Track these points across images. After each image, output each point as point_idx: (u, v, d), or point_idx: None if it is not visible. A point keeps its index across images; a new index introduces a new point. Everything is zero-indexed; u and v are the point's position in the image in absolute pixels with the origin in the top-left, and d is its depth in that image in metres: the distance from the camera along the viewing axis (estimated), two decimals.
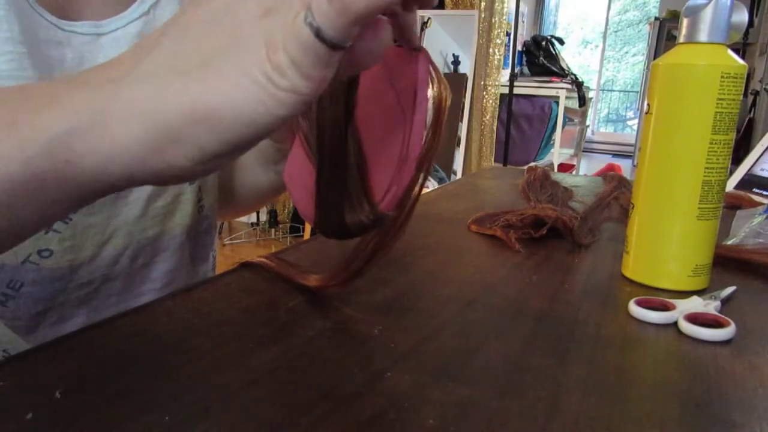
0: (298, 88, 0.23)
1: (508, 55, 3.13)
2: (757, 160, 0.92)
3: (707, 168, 0.43)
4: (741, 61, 0.43)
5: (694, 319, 0.38)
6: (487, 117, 3.03)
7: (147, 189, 0.47)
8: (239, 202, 0.62)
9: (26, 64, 0.39)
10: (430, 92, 0.32)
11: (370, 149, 0.33)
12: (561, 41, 3.64)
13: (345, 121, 0.32)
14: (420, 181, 0.32)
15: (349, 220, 0.32)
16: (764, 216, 0.62)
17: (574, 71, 3.55)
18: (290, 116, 0.24)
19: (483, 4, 2.94)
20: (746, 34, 3.83)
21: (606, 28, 7.57)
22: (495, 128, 3.04)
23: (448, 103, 0.33)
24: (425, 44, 2.60)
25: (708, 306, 0.41)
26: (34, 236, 0.40)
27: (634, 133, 7.06)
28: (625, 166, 4.20)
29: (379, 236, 0.35)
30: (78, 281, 0.44)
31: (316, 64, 0.23)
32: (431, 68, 0.31)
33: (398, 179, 0.31)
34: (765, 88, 3.62)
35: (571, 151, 4.07)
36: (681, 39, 0.44)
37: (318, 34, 0.22)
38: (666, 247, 0.46)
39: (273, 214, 3.32)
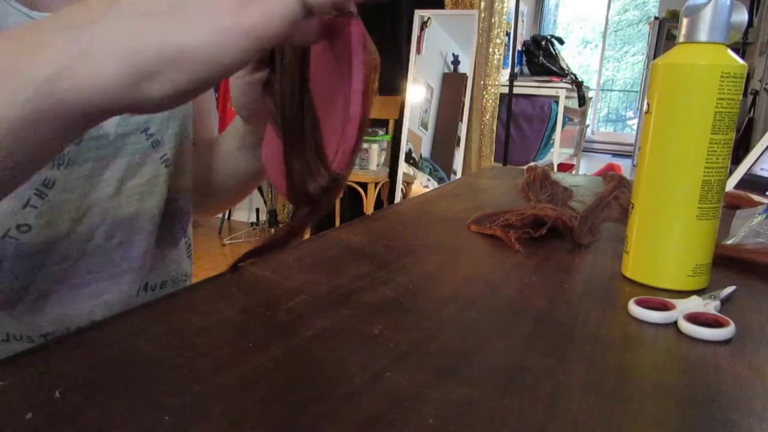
0: (263, 38, 0.26)
1: (508, 55, 3.12)
2: (756, 159, 0.92)
3: (707, 168, 0.43)
4: (741, 61, 0.43)
5: (694, 318, 0.38)
6: (487, 117, 3.03)
7: (121, 169, 0.47)
8: (221, 194, 0.63)
9: None
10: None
11: (322, 116, 0.36)
12: (561, 41, 3.64)
13: (300, 92, 0.36)
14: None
15: (311, 186, 0.35)
16: (764, 216, 0.62)
17: (574, 71, 3.55)
18: (250, 59, 0.27)
19: (483, 3, 2.93)
20: (746, 33, 3.83)
21: (606, 28, 7.57)
22: (495, 128, 3.04)
23: (377, 64, 0.36)
24: (425, 44, 2.58)
25: (708, 306, 0.41)
26: (14, 211, 0.41)
27: (634, 132, 7.06)
28: (624, 166, 4.20)
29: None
30: (56, 257, 0.45)
31: (288, 22, 0.27)
32: (364, 34, 0.34)
33: (344, 140, 0.34)
34: (765, 88, 3.62)
35: (571, 151, 4.07)
36: (681, 39, 0.44)
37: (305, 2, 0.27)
38: (666, 246, 0.46)
39: (273, 214, 3.32)
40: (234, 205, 0.85)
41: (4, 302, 0.43)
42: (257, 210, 3.56)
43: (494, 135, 3.05)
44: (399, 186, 3.06)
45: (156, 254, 0.53)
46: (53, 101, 0.26)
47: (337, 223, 3.17)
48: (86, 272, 0.47)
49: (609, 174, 0.95)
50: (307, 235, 0.49)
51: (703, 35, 0.43)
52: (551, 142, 3.22)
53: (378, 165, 3.04)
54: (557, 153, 3.15)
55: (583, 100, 3.57)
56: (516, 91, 2.95)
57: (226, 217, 3.57)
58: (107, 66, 0.26)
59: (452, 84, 2.97)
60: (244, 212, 3.70)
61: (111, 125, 0.46)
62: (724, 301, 0.43)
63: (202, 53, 0.26)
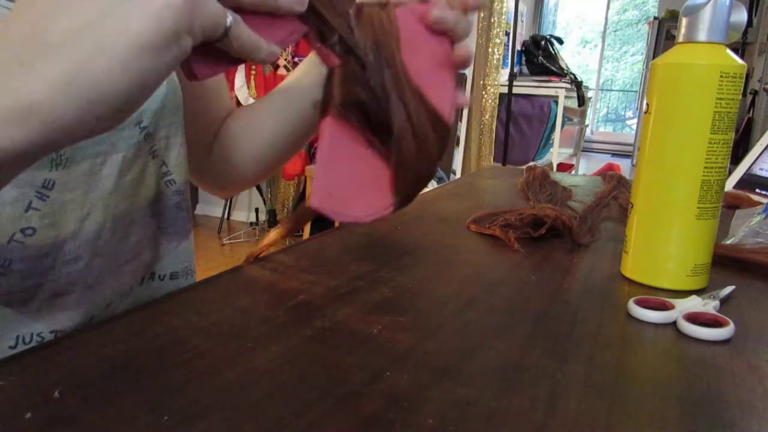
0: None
1: (507, 55, 3.13)
2: (756, 159, 0.92)
3: (706, 167, 0.43)
4: (740, 61, 0.43)
5: (693, 318, 0.38)
6: (487, 116, 3.03)
7: (117, 164, 0.47)
8: (244, 174, 0.64)
9: None
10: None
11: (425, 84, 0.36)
12: (560, 41, 3.64)
13: (402, 76, 0.35)
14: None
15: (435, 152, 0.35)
16: (763, 215, 0.62)
17: (573, 71, 3.55)
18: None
19: None
20: (745, 33, 3.83)
21: (605, 28, 7.58)
22: (494, 128, 3.04)
23: None
24: None
25: (707, 305, 0.41)
26: (17, 215, 0.41)
27: (633, 132, 7.07)
28: (624, 166, 4.20)
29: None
30: (65, 257, 0.45)
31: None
32: None
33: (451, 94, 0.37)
34: (764, 88, 3.62)
35: (570, 151, 4.07)
36: (680, 38, 0.44)
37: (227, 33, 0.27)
38: (665, 246, 0.46)
39: (272, 214, 3.32)
40: (258, 182, 0.84)
41: (15, 301, 0.43)
42: (256, 210, 3.56)
43: (494, 135, 3.05)
44: None
45: (164, 245, 0.54)
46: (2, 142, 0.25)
47: (337, 223, 3.17)
48: (98, 272, 0.47)
49: (608, 174, 0.95)
50: (306, 235, 0.50)
51: (702, 35, 0.43)
52: (550, 141, 3.22)
53: None
54: (556, 153, 3.15)
55: (582, 100, 3.57)
56: (515, 90, 2.95)
57: (226, 216, 3.57)
58: (57, 105, 0.25)
59: None
60: (244, 212, 3.70)
61: None
62: (724, 301, 0.43)
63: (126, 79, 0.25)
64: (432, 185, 2.74)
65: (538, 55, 3.43)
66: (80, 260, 0.46)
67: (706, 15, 0.43)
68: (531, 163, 0.98)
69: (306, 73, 0.59)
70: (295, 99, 0.59)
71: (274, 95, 0.61)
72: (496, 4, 2.95)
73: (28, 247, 0.42)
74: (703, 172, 0.44)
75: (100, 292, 0.47)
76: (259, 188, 3.51)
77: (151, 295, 0.51)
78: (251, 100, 2.80)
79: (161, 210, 0.53)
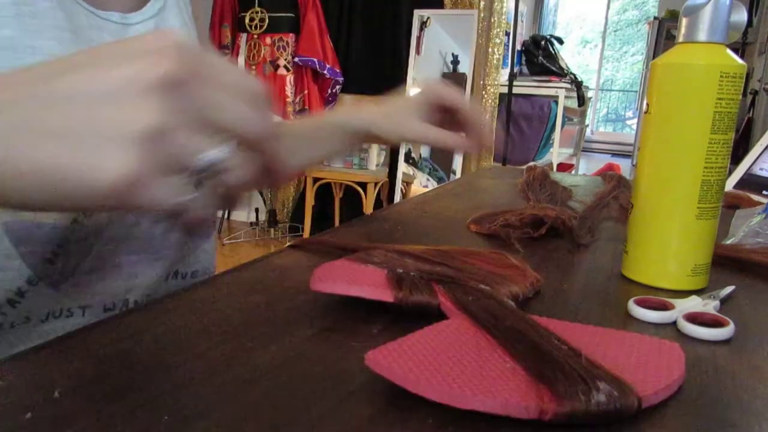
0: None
1: (507, 55, 3.12)
2: (756, 159, 0.92)
3: (706, 167, 0.43)
4: (740, 61, 0.43)
5: (694, 318, 0.38)
6: (487, 116, 3.03)
7: None
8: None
9: (72, 47, 0.44)
10: None
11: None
12: (560, 41, 3.63)
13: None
14: None
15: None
16: (763, 215, 0.62)
17: (573, 71, 3.55)
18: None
19: (482, 3, 2.94)
20: (745, 33, 3.83)
21: (605, 28, 7.57)
22: (494, 128, 3.04)
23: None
24: (425, 44, 2.57)
25: (707, 305, 0.41)
26: None
27: (633, 132, 7.06)
28: (624, 166, 4.20)
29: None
30: (105, 238, 0.49)
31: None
32: None
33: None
34: (764, 88, 3.62)
35: (571, 151, 4.07)
36: (680, 38, 0.44)
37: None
38: (665, 246, 0.46)
39: (272, 214, 3.32)
40: None
41: (56, 280, 0.46)
42: (257, 210, 3.56)
43: (493, 135, 3.05)
44: (398, 186, 3.06)
45: (189, 244, 0.56)
46: None
47: (337, 223, 3.17)
48: (127, 254, 0.50)
49: (608, 174, 0.95)
50: (306, 235, 0.50)
51: (702, 35, 0.43)
52: (551, 141, 3.22)
53: (377, 165, 3.04)
54: (557, 153, 3.15)
55: (582, 100, 3.57)
56: (515, 90, 2.95)
57: (226, 216, 3.57)
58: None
59: (452, 84, 2.96)
60: (244, 212, 3.70)
61: None
62: (724, 301, 0.43)
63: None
64: (432, 185, 2.74)
65: (538, 55, 3.43)
66: (114, 240, 0.49)
67: (706, 15, 0.43)
68: (531, 163, 0.98)
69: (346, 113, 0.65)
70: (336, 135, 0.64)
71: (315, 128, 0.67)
72: (496, 4, 2.95)
73: (84, 227, 0.46)
74: (703, 172, 0.43)
75: (127, 275, 0.50)
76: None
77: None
78: None
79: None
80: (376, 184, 2.97)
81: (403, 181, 3.06)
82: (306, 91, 3.16)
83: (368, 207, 2.92)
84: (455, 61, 2.98)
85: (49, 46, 0.43)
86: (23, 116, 0.25)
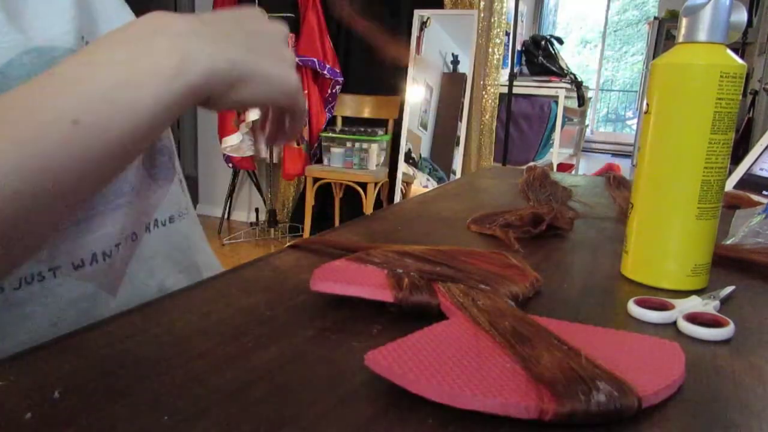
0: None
1: (507, 55, 3.12)
2: (756, 159, 0.92)
3: (706, 168, 0.43)
4: (740, 61, 0.43)
5: (694, 318, 0.38)
6: (487, 116, 3.03)
7: None
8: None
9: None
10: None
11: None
12: (560, 41, 3.63)
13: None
14: None
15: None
16: (763, 215, 0.62)
17: (573, 71, 3.55)
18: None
19: (482, 3, 2.94)
20: (745, 33, 3.83)
21: (605, 28, 7.58)
22: (494, 128, 3.04)
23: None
24: (425, 44, 2.57)
25: (707, 305, 0.41)
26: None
27: (633, 132, 7.06)
28: (624, 166, 4.20)
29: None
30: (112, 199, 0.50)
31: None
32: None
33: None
34: (764, 88, 3.62)
35: (571, 151, 4.07)
36: (680, 39, 0.44)
37: None
38: (665, 246, 0.46)
39: (272, 214, 3.32)
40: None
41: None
42: (256, 210, 3.56)
43: (494, 135, 3.05)
44: (398, 186, 3.06)
45: (157, 191, 0.55)
46: (180, 90, 0.33)
47: (337, 223, 3.17)
48: (97, 211, 0.50)
49: (609, 173, 0.95)
50: (306, 235, 0.50)
51: (702, 35, 0.43)
52: (551, 142, 3.22)
53: (377, 165, 3.04)
54: (557, 153, 3.15)
55: (582, 100, 3.57)
56: (515, 90, 2.95)
57: (226, 216, 3.57)
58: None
59: (452, 84, 2.97)
60: (244, 212, 3.70)
61: None
62: (724, 301, 0.43)
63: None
64: (432, 185, 2.74)
65: (538, 55, 3.43)
66: (121, 206, 0.49)
67: (706, 15, 0.43)
68: (531, 163, 0.98)
69: None
70: None
71: None
72: (495, 3, 2.95)
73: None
74: (703, 172, 0.43)
75: (86, 230, 0.49)
76: (259, 188, 3.51)
77: (159, 245, 0.53)
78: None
79: (149, 156, 0.55)
80: (376, 184, 2.96)
81: (403, 181, 3.06)
82: (306, 92, 3.16)
83: (368, 207, 2.92)
84: (455, 61, 2.97)
85: None
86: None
